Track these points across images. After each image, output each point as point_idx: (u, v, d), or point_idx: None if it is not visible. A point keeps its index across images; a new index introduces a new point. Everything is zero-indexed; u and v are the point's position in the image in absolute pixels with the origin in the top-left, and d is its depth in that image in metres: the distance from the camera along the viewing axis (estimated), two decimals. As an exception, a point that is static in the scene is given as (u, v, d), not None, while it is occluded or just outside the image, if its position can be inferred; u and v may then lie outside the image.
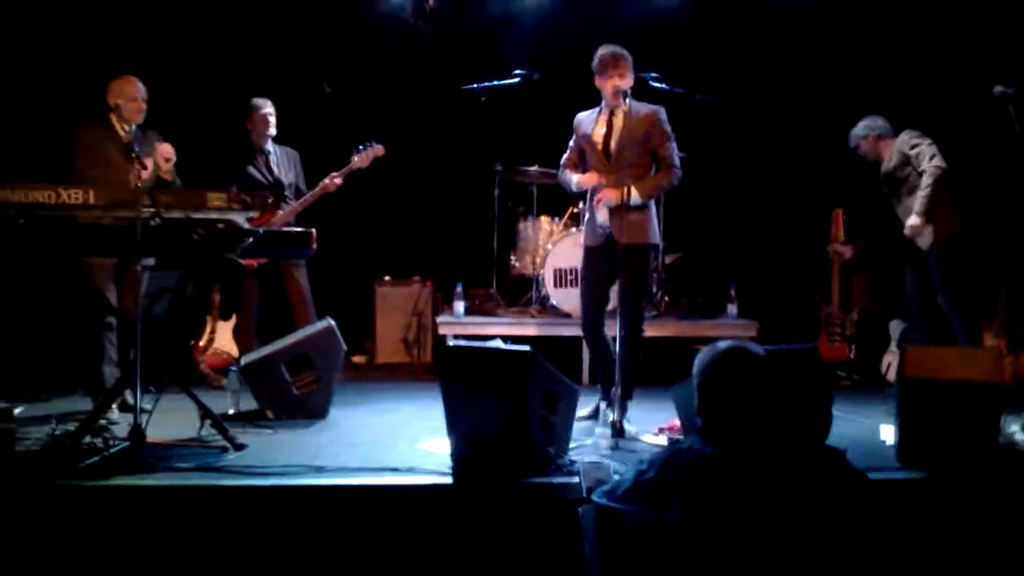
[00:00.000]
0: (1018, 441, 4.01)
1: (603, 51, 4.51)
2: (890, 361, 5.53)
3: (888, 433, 4.13)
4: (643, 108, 4.56)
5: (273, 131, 5.50)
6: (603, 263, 4.61)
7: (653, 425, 4.34)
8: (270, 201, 5.31)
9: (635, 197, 4.42)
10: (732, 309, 6.12)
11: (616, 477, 2.67)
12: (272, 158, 5.51)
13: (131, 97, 4.61)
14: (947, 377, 3.78)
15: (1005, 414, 3.94)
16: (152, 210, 3.84)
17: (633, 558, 2.30)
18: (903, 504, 3.54)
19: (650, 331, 5.71)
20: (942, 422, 3.73)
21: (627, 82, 4.50)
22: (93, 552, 3.26)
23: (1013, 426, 4.12)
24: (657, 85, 5.89)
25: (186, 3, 6.15)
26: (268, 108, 5.48)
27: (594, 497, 2.54)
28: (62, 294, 5.36)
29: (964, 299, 5.10)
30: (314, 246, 4.43)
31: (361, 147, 5.43)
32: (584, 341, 4.89)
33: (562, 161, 4.80)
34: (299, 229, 4.61)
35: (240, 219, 4.06)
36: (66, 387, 5.08)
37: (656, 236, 4.72)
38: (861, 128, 5.29)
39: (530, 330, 5.92)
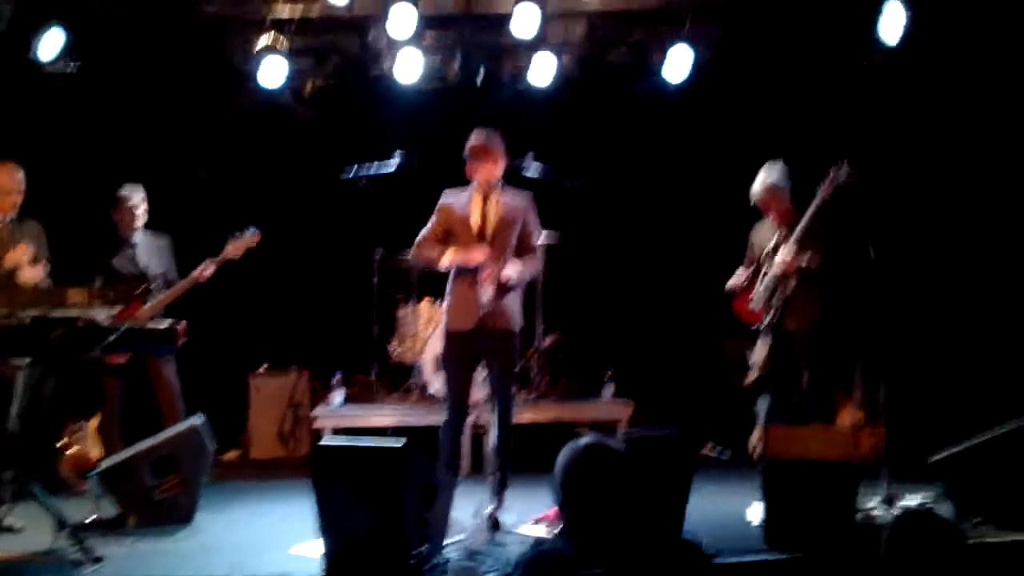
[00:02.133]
0: (876, 516, 4.18)
1: (475, 139, 4.52)
2: (757, 439, 5.70)
3: (755, 513, 4.24)
4: (516, 195, 4.62)
5: (140, 222, 5.38)
6: (469, 348, 4.50)
7: (532, 514, 4.33)
8: (137, 293, 5.17)
9: (519, 275, 4.43)
10: (609, 390, 6.22)
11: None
12: (140, 249, 5.37)
13: (3, 191, 4.45)
14: (807, 456, 3.93)
15: (864, 489, 4.12)
16: (5, 309, 3.68)
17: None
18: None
19: (529, 415, 5.80)
20: (804, 501, 3.86)
21: (499, 169, 4.53)
22: None
23: (871, 502, 4.31)
24: (529, 175, 6.05)
25: (59, 86, 6.00)
26: (134, 199, 5.35)
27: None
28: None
29: (826, 378, 5.28)
30: (181, 341, 4.31)
31: (237, 233, 5.32)
32: (447, 432, 4.54)
33: (421, 236, 4.62)
34: (165, 324, 4.46)
35: (101, 316, 3.93)
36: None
37: (520, 322, 4.60)
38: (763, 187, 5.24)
39: (410, 419, 5.87)
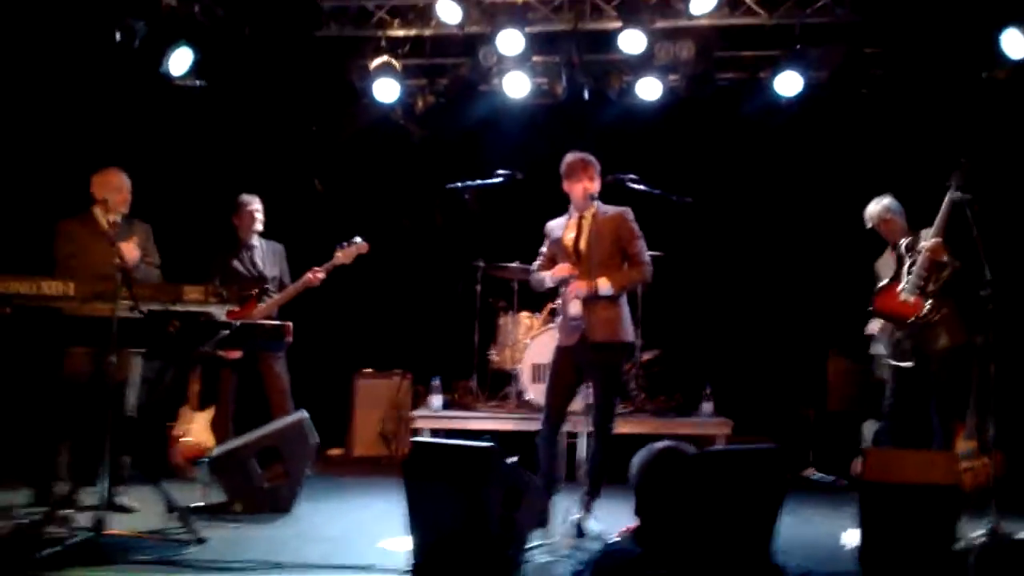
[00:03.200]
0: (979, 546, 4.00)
1: (570, 157, 4.64)
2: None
3: (850, 537, 4.13)
4: (610, 209, 4.68)
5: (259, 227, 5.66)
6: (573, 363, 4.60)
7: (619, 524, 4.32)
8: (254, 294, 5.45)
9: (605, 287, 4.49)
10: (707, 407, 6.16)
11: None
12: (257, 252, 5.66)
13: (115, 188, 4.76)
14: (905, 480, 3.79)
15: (971, 520, 3.96)
16: (130, 302, 3.93)
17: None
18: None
19: (626, 427, 5.79)
20: (901, 526, 3.72)
21: (595, 186, 4.63)
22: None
23: (975, 531, 4.12)
24: (635, 186, 6.07)
25: (187, 100, 6.38)
26: (255, 205, 5.65)
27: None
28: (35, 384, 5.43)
29: (954, 405, 5.08)
30: (289, 339, 4.51)
31: (345, 243, 5.57)
32: (542, 440, 4.59)
33: (534, 266, 4.86)
34: (275, 322, 4.70)
35: (217, 312, 4.15)
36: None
37: (629, 334, 4.67)
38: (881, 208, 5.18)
39: (507, 424, 5.96)
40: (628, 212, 4.71)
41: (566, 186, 4.65)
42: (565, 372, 4.62)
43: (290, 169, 6.76)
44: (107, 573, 3.50)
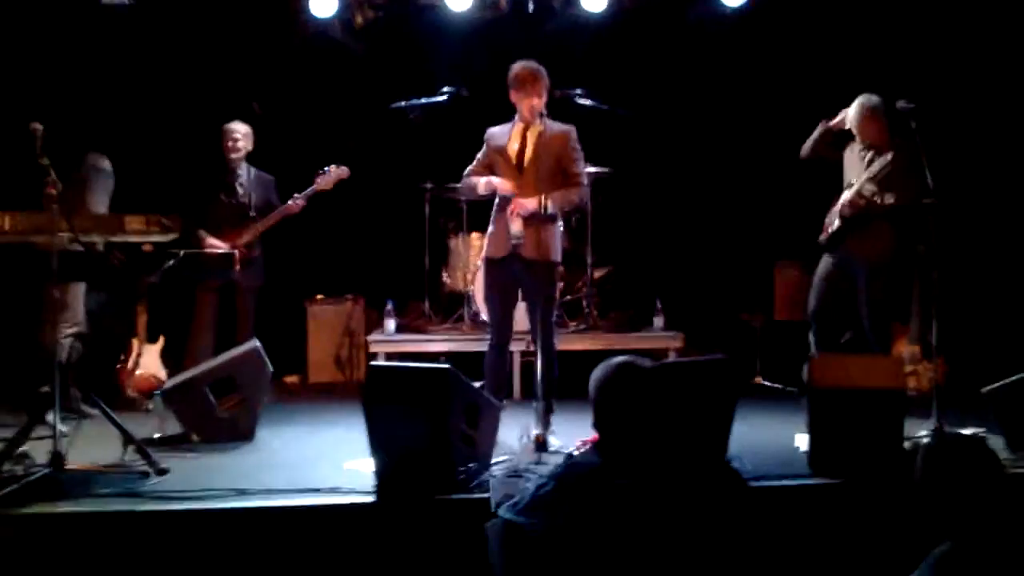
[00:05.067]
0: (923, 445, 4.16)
1: (519, 67, 4.56)
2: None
3: (802, 441, 4.27)
4: (556, 126, 4.64)
5: (239, 153, 5.60)
6: (506, 273, 4.61)
7: (578, 438, 4.42)
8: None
9: (550, 206, 4.50)
10: (659, 321, 6.25)
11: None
12: (240, 180, 5.59)
13: None
14: (853, 385, 3.92)
15: (916, 421, 4.12)
16: (69, 235, 3.83)
17: (531, 568, 2.38)
18: (814, 509, 3.66)
19: (581, 344, 5.87)
20: (850, 429, 3.86)
21: (543, 100, 4.58)
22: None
23: (922, 430, 4.29)
24: (582, 102, 6.02)
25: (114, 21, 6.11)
26: (232, 132, 5.59)
27: (500, 511, 2.61)
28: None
29: (887, 310, 5.23)
30: (236, 267, 4.46)
31: (323, 170, 5.53)
32: (490, 356, 4.71)
33: (467, 170, 4.76)
34: (221, 250, 4.63)
35: (161, 241, 4.08)
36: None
37: (559, 254, 4.68)
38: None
39: (462, 346, 5.99)
40: (573, 131, 4.68)
41: (513, 97, 4.57)
42: (500, 284, 4.65)
43: (229, 93, 6.54)
44: (69, 506, 3.48)
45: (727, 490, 2.27)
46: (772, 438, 4.57)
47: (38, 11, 5.90)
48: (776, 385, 5.96)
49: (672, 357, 5.95)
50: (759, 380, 6.14)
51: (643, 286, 6.69)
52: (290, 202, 5.50)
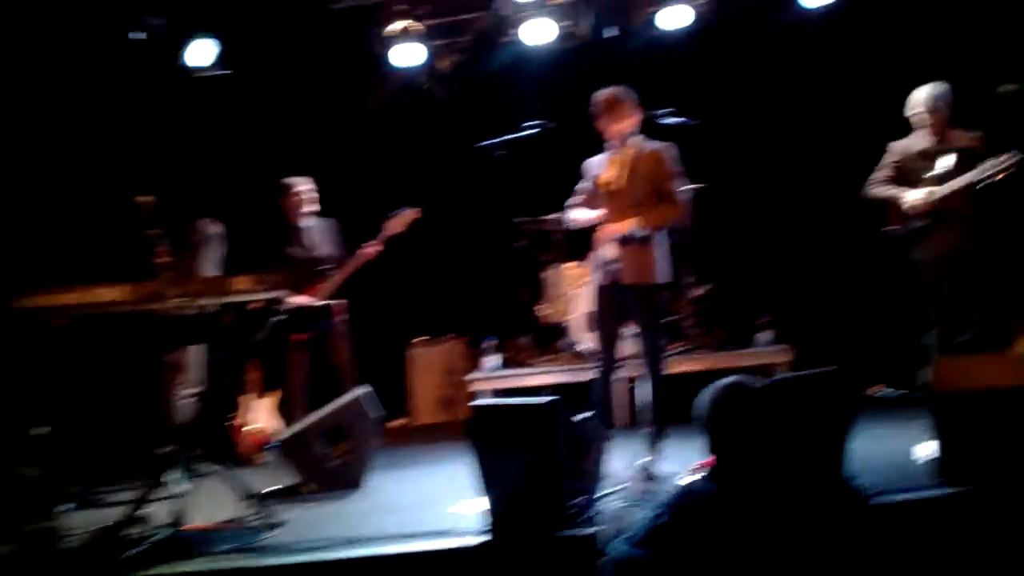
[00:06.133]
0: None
1: (599, 95, 4.52)
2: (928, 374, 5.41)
3: (924, 450, 4.04)
4: (651, 145, 4.57)
5: (309, 208, 5.70)
6: (612, 301, 4.54)
7: (689, 463, 4.29)
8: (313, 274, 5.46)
9: (638, 228, 4.42)
10: (765, 336, 6.06)
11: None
12: (309, 234, 5.67)
13: None
14: (979, 386, 3.69)
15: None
16: (183, 300, 3.95)
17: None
18: (945, 521, 3.44)
19: (685, 366, 5.73)
20: (980, 433, 3.64)
21: (628, 123, 4.52)
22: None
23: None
24: (667, 121, 5.92)
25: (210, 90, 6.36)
26: (299, 187, 5.68)
27: (615, 545, 2.54)
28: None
29: (1006, 305, 4.97)
30: (340, 318, 4.52)
31: (392, 213, 5.56)
32: (597, 386, 4.64)
33: (567, 202, 4.77)
34: (320, 303, 4.71)
35: (270, 299, 4.17)
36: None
37: (663, 275, 4.55)
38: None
39: (563, 377, 5.94)
40: (670, 148, 4.58)
41: (599, 126, 4.54)
42: (606, 311, 4.58)
43: (323, 147, 6.71)
44: (192, 566, 3.56)
45: (848, 510, 2.14)
46: (892, 449, 4.34)
47: (130, 84, 6.16)
48: (895, 392, 5.69)
49: (782, 372, 5.74)
50: (879, 389, 5.87)
51: (747, 302, 6.49)
52: (366, 248, 5.52)
